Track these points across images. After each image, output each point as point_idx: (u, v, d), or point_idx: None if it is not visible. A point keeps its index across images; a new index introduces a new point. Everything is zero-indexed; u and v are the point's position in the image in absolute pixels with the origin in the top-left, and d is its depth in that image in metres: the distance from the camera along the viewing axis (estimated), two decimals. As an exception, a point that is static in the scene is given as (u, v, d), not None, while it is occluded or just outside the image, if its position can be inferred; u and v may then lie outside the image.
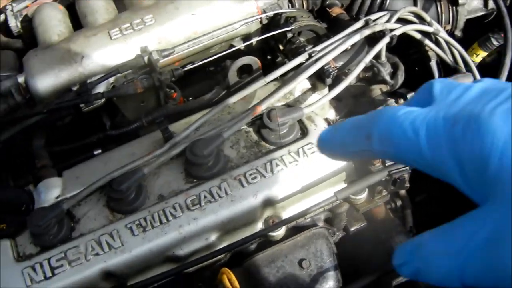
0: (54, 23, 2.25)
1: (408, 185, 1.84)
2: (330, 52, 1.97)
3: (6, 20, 2.36)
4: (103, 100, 2.02)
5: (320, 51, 1.99)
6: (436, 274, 0.72)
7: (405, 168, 1.78)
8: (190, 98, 2.17)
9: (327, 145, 0.95)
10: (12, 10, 2.36)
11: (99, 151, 2.00)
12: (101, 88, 2.04)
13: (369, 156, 0.87)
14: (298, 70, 1.95)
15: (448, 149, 0.72)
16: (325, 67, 1.95)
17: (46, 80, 2.03)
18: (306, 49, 2.01)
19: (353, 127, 0.88)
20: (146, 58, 2.01)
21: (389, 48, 2.20)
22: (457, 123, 0.72)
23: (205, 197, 1.76)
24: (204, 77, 2.27)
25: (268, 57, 2.31)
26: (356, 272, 2.05)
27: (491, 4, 2.56)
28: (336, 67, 2.04)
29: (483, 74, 2.24)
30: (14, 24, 2.35)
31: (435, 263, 0.72)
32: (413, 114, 0.77)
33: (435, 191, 2.52)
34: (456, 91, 0.79)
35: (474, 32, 2.59)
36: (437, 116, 0.75)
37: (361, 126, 0.86)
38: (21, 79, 2.05)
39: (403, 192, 2.27)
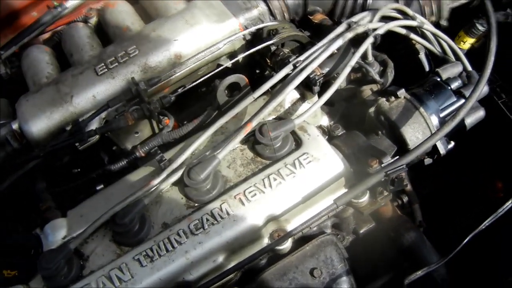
0: (42, 65, 2.28)
1: (407, 183, 1.84)
2: (314, 60, 1.97)
3: (-5, 67, 2.39)
4: (97, 136, 2.04)
5: (304, 60, 1.99)
6: None
7: (401, 167, 1.78)
8: (185, 122, 2.16)
9: None
10: (0, 58, 2.37)
11: (101, 186, 2.01)
12: (93, 125, 2.06)
13: None
14: (284, 82, 1.96)
15: None
16: (311, 76, 1.96)
17: (40, 124, 2.05)
18: (290, 60, 2.02)
19: None
20: (134, 90, 2.03)
21: (376, 46, 2.20)
22: None
23: (207, 220, 1.77)
24: (197, 98, 2.28)
25: (257, 71, 2.32)
26: (370, 272, 2.06)
27: (473, -10, 2.54)
28: (322, 73, 2.04)
29: (472, 60, 2.23)
30: (4, 71, 2.38)
31: None
32: None
33: (441, 184, 2.52)
34: None
35: (460, 20, 2.58)
36: None
37: None
38: (15, 126, 2.08)
39: (409, 187, 2.26)
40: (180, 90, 2.13)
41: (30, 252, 1.85)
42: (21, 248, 1.86)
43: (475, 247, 1.91)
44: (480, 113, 2.10)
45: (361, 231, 2.03)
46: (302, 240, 1.85)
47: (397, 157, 1.86)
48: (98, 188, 2.01)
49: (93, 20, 2.52)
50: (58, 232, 1.84)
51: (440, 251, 2.00)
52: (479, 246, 1.92)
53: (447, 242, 1.98)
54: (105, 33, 2.44)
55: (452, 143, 2.07)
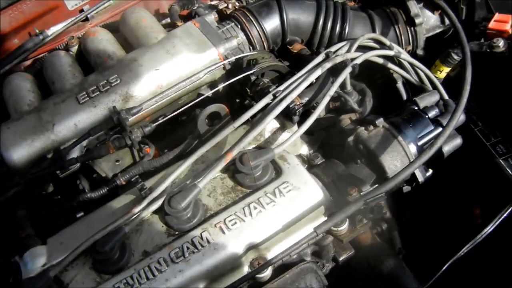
0: (23, 93, 2.29)
1: (386, 211, 1.86)
2: (294, 90, 2.00)
3: (-24, 94, 2.38)
4: (78, 164, 2.05)
5: (284, 90, 2.03)
6: None
7: (380, 195, 1.80)
8: (166, 150, 2.18)
9: None
10: (-18, 85, 2.39)
11: (81, 213, 2.01)
12: (75, 153, 2.07)
13: None
14: (265, 111, 1.99)
15: None
16: (291, 106, 1.99)
17: (21, 151, 2.06)
18: (270, 89, 2.05)
19: None
20: (115, 118, 2.04)
21: (355, 75, 2.24)
22: None
23: (188, 248, 1.78)
24: (177, 127, 2.30)
25: (237, 100, 2.34)
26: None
27: (448, 20, 2.60)
28: (302, 103, 2.07)
29: (448, 89, 2.27)
30: (-15, 98, 2.37)
31: None
32: None
33: (419, 209, 2.54)
34: None
35: (436, 49, 2.63)
36: None
37: None
38: (-4, 153, 2.07)
39: (388, 214, 2.28)
40: (160, 119, 2.15)
41: (9, 280, 1.84)
42: (-1, 275, 1.86)
43: (454, 274, 1.93)
44: (458, 141, 2.13)
45: (341, 259, 2.03)
46: (282, 267, 1.86)
47: (376, 185, 1.88)
48: (78, 215, 2.01)
49: (75, 48, 2.54)
50: (37, 260, 1.83)
51: (420, 278, 2.01)
52: (458, 272, 1.95)
53: (426, 269, 2.00)
54: (86, 61, 2.45)
55: (430, 171, 2.09)
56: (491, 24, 2.44)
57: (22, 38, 2.65)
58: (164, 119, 2.14)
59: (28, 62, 2.62)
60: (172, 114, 2.15)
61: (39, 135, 2.07)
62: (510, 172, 2.21)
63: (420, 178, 2.07)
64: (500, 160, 2.25)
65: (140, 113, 2.10)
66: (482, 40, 2.42)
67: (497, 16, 2.46)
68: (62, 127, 2.09)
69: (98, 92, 2.14)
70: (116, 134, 2.06)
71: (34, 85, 2.38)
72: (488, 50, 2.36)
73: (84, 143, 2.08)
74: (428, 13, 2.64)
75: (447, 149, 2.12)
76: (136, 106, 2.10)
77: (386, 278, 2.04)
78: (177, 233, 1.84)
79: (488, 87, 2.23)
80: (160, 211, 1.86)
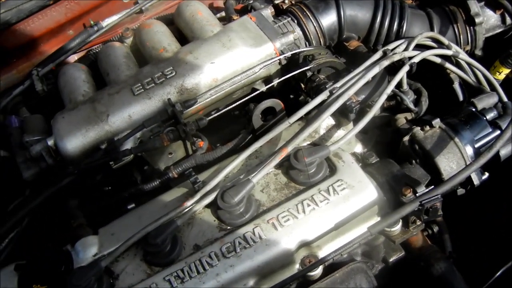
0: (78, 83, 2.30)
1: (441, 213, 1.82)
2: (351, 87, 1.98)
3: (32, 84, 2.41)
4: (132, 155, 2.05)
5: (340, 87, 2.00)
6: None
7: (436, 197, 1.76)
8: (218, 144, 2.18)
9: None
10: (37, 75, 2.41)
11: (133, 205, 2.02)
12: (128, 144, 2.07)
13: None
14: (321, 108, 1.96)
15: None
16: (347, 103, 1.96)
17: (75, 141, 2.07)
18: (327, 86, 2.02)
19: None
20: (170, 111, 2.03)
21: (410, 74, 2.20)
22: None
23: (239, 243, 1.76)
24: (230, 121, 2.29)
25: (291, 96, 2.32)
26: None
27: (509, 20, 2.56)
28: (358, 101, 2.04)
29: (508, 91, 2.22)
30: (40, 88, 2.40)
31: None
32: None
33: (472, 213, 2.49)
34: None
35: (495, 50, 2.58)
36: None
37: None
38: (50, 142, 2.09)
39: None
40: (214, 113, 2.15)
41: (61, 268, 1.84)
42: (51, 264, 1.86)
43: (508, 281, 1.89)
44: (515, 145, 2.09)
45: (391, 260, 2.01)
46: (332, 266, 1.83)
47: (432, 186, 1.85)
48: (129, 207, 2.02)
49: (129, 40, 2.55)
50: (89, 250, 1.84)
51: (471, 283, 1.96)
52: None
53: (477, 275, 1.96)
54: (141, 53, 2.45)
55: (487, 174, 2.05)
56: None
57: (77, 29, 2.68)
58: (218, 113, 2.14)
59: (82, 53, 2.64)
60: (227, 108, 2.14)
61: (93, 125, 2.08)
62: None
63: (476, 181, 2.03)
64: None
65: (194, 106, 2.10)
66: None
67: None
68: (117, 118, 2.10)
69: (153, 84, 2.14)
70: (170, 126, 2.05)
71: (89, 76, 2.39)
72: (551, 52, 2.30)
73: (138, 134, 2.08)
74: (488, 12, 2.58)
75: (504, 152, 2.07)
76: (190, 99, 2.09)
77: (436, 281, 1.99)
78: (229, 228, 1.82)
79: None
80: (212, 205, 1.86)
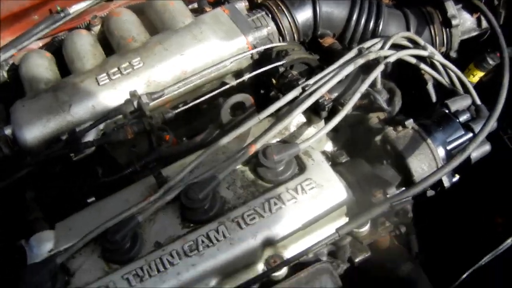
0: (41, 71, 2.23)
1: (412, 215, 1.79)
2: (324, 84, 1.93)
3: (-8, 70, 2.34)
4: (94, 148, 1.98)
5: (313, 84, 1.95)
6: None
7: (407, 199, 1.73)
8: (184, 138, 2.12)
9: None
10: (-3, 60, 2.33)
11: (93, 199, 1.94)
12: (91, 136, 2.00)
13: None
14: (292, 105, 1.92)
15: None
16: (320, 101, 1.92)
17: (34, 131, 2.00)
18: (299, 82, 1.98)
19: None
20: (135, 103, 1.97)
21: (386, 74, 2.17)
22: None
23: (202, 241, 1.70)
24: (197, 115, 2.24)
25: (262, 91, 2.27)
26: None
27: (484, 24, 2.54)
28: (331, 98, 2.00)
29: (481, 94, 2.20)
30: (0, 74, 2.32)
31: None
32: None
33: (439, 215, 2.49)
34: None
35: (470, 52, 2.58)
36: None
37: None
38: (8, 131, 2.02)
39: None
40: (181, 106, 2.09)
41: (14, 263, 1.78)
42: (3, 259, 1.81)
43: (474, 283, 1.88)
44: (486, 148, 2.06)
45: (357, 260, 1.96)
46: (297, 265, 1.78)
47: (403, 188, 1.82)
48: (89, 201, 1.94)
49: (97, 28, 2.48)
50: (44, 245, 1.77)
51: (437, 285, 1.97)
52: (477, 281, 1.92)
53: (444, 276, 1.96)
54: (108, 42, 2.38)
55: (457, 177, 2.03)
56: (530, 31, 2.36)
57: (43, 15, 2.57)
58: (186, 106, 2.08)
59: (47, 40, 2.55)
60: (195, 102, 2.08)
61: (54, 115, 2.01)
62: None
63: (446, 183, 2.00)
64: (527, 170, 2.18)
65: (161, 99, 2.04)
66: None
67: (536, 23, 2.39)
68: (79, 108, 2.03)
69: (119, 75, 2.09)
70: (136, 119, 1.99)
71: (53, 64, 2.33)
72: (525, 58, 2.29)
73: (101, 126, 2.02)
74: (465, 15, 2.57)
75: (475, 155, 2.05)
76: (158, 91, 2.03)
77: (402, 282, 2.00)
78: (192, 225, 1.76)
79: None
80: (176, 201, 1.79)
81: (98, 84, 2.08)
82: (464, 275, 1.89)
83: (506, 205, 2.33)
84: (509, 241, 1.89)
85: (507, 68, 2.01)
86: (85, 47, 2.30)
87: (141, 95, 1.99)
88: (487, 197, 2.40)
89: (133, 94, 2.01)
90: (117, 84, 2.07)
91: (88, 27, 2.50)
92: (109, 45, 2.38)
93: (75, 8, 2.47)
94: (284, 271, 1.74)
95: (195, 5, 2.61)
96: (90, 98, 2.05)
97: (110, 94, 2.06)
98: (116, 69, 2.10)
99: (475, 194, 2.43)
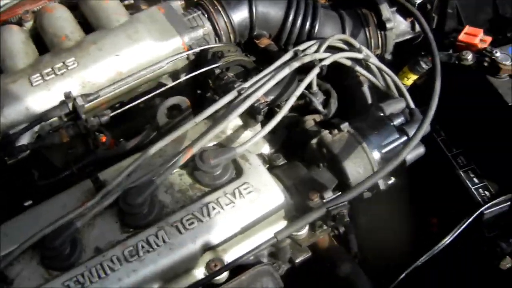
0: (-34, 71, 2.15)
1: (348, 219, 1.83)
2: (260, 88, 1.95)
3: None
4: (28, 151, 1.95)
5: (249, 87, 1.97)
6: None
7: (343, 204, 1.77)
8: (121, 140, 2.10)
9: None
10: None
11: (30, 202, 1.91)
12: (25, 139, 1.97)
13: None
14: (228, 108, 1.92)
15: None
16: (255, 104, 1.93)
17: (-36, 135, 1.94)
18: (235, 85, 1.99)
19: None
20: (70, 105, 1.95)
21: (321, 77, 2.20)
22: None
23: (142, 247, 1.71)
24: (134, 115, 2.20)
25: (198, 91, 2.27)
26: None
27: (418, 27, 2.59)
28: (266, 101, 2.01)
29: (414, 97, 2.25)
30: None
31: None
32: None
33: (376, 216, 2.54)
34: None
35: (405, 55, 2.64)
36: None
37: None
38: None
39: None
40: (118, 106, 2.07)
41: None
42: None
43: (412, 283, 1.94)
44: (420, 150, 2.11)
45: (297, 261, 2.00)
46: (238, 268, 1.79)
47: (340, 193, 1.86)
48: (26, 204, 1.91)
49: (29, 24, 2.38)
50: (-21, 252, 1.73)
51: (376, 284, 2.01)
52: (415, 281, 1.98)
53: (383, 275, 2.00)
54: (41, 39, 2.31)
55: (393, 179, 2.07)
56: (461, 36, 2.43)
57: (-32, 7, 2.49)
58: (123, 109, 2.05)
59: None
60: (131, 104, 2.06)
61: (-16, 117, 1.96)
62: (469, 184, 2.21)
63: (382, 186, 2.04)
64: (460, 172, 2.25)
65: (97, 100, 2.01)
66: (451, 51, 2.42)
67: (467, 29, 2.46)
68: (12, 110, 1.98)
69: (53, 75, 2.04)
70: (71, 121, 1.96)
71: (-19, 63, 2.24)
72: (456, 62, 2.36)
73: (36, 128, 1.98)
74: (399, 18, 2.62)
75: (409, 157, 2.09)
76: (93, 92, 2.01)
77: (342, 282, 2.01)
78: (131, 230, 1.76)
79: (452, 98, 2.21)
80: (114, 206, 1.78)
81: (32, 85, 2.03)
82: (402, 275, 1.94)
83: (440, 206, 2.39)
84: (443, 241, 1.96)
85: (438, 73, 2.06)
86: (16, 44, 2.23)
87: (76, 97, 1.96)
88: (422, 198, 2.45)
89: (68, 96, 1.97)
90: (51, 85, 2.03)
91: (19, 22, 2.40)
92: (42, 41, 2.30)
93: (5, 1, 2.38)
94: (225, 274, 1.76)
95: (131, 0, 2.58)
96: (23, 99, 2.00)
97: (44, 96, 2.01)
98: (50, 69, 2.06)
99: (411, 195, 2.48)
